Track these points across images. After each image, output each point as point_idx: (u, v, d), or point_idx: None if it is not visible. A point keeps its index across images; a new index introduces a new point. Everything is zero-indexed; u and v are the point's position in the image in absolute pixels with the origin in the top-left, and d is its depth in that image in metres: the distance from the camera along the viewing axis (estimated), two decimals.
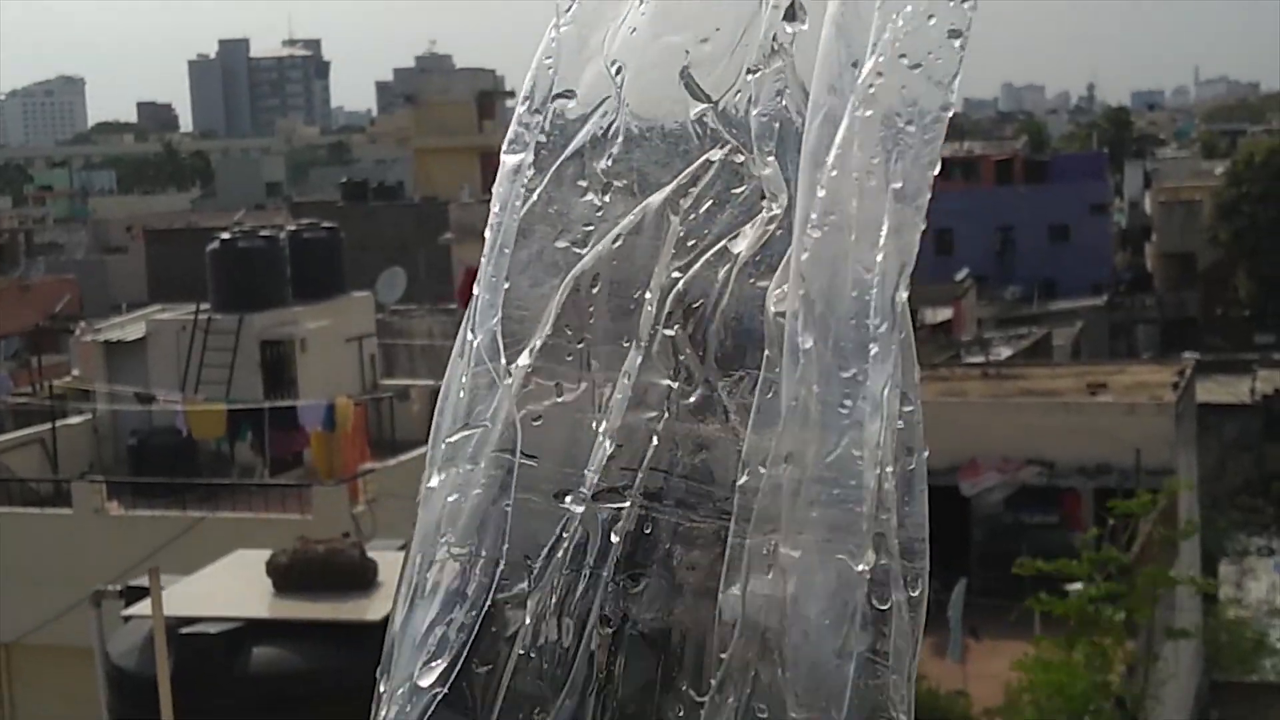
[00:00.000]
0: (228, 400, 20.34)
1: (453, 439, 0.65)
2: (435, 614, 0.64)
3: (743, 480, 0.63)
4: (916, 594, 0.70)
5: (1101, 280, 52.53)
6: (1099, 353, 40.82)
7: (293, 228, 25.19)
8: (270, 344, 22.57)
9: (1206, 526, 29.80)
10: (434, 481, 0.65)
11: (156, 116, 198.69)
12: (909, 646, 0.68)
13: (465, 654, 0.62)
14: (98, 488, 17.99)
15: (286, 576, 4.98)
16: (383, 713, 0.65)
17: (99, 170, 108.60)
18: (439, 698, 0.62)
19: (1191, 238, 52.50)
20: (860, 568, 0.66)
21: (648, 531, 0.62)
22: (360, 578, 5.00)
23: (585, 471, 0.63)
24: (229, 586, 5.17)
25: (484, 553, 0.65)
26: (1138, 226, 61.55)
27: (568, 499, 0.62)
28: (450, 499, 0.65)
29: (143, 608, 4.91)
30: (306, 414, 18.73)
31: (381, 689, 0.66)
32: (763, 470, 0.63)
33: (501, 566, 0.63)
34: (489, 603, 0.63)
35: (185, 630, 4.63)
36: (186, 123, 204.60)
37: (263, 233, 24.16)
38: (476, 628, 0.62)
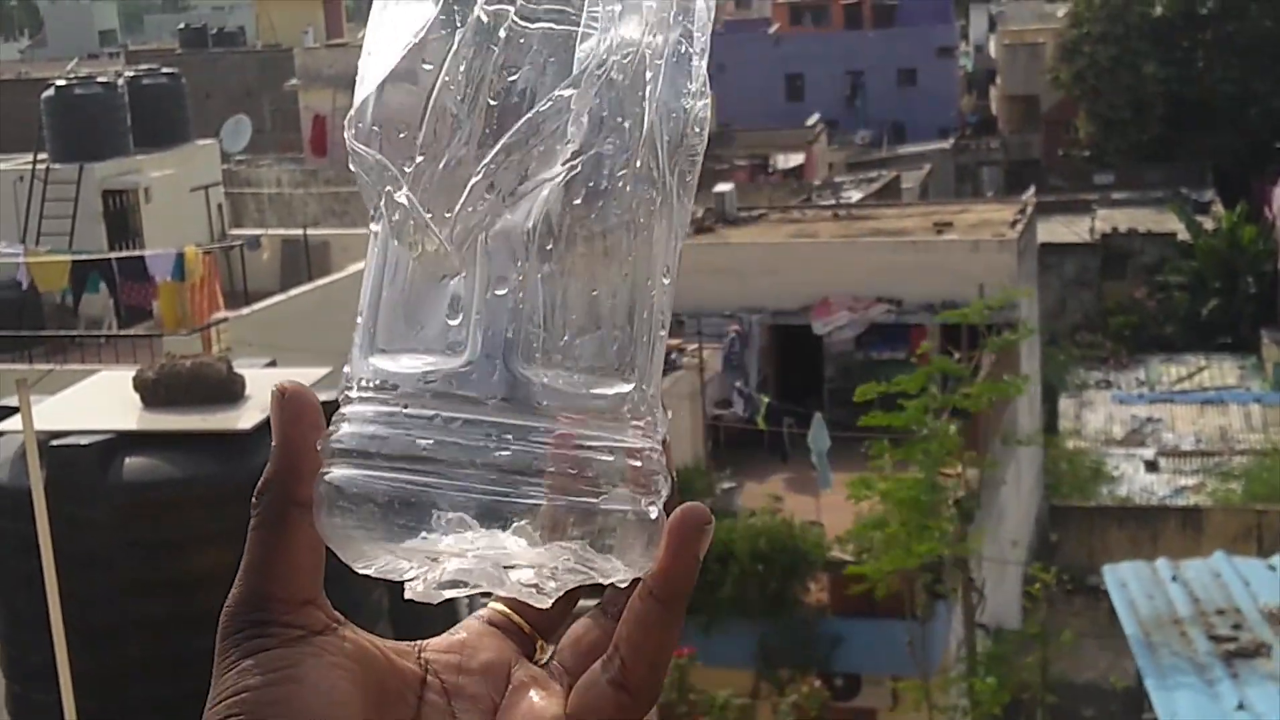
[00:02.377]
0: (70, 251, 19.88)
1: None
2: None
3: None
4: None
5: (948, 123, 53.25)
6: (946, 194, 41.54)
7: (131, 74, 24.46)
8: (113, 194, 22.06)
9: (1047, 361, 30.79)
10: None
11: None
12: None
13: None
14: None
15: (154, 391, 4.98)
16: None
17: None
18: None
19: (1034, 80, 53.30)
20: None
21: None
22: (228, 390, 5.02)
23: None
24: (96, 403, 5.16)
25: None
26: (983, 70, 62.27)
27: None
28: None
29: (8, 424, 4.91)
30: (155, 264, 18.38)
31: None
32: None
33: None
34: None
35: (55, 443, 4.65)
36: None
37: (100, 79, 23.43)
38: None
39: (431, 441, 0.66)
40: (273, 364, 5.72)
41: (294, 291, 19.36)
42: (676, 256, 0.71)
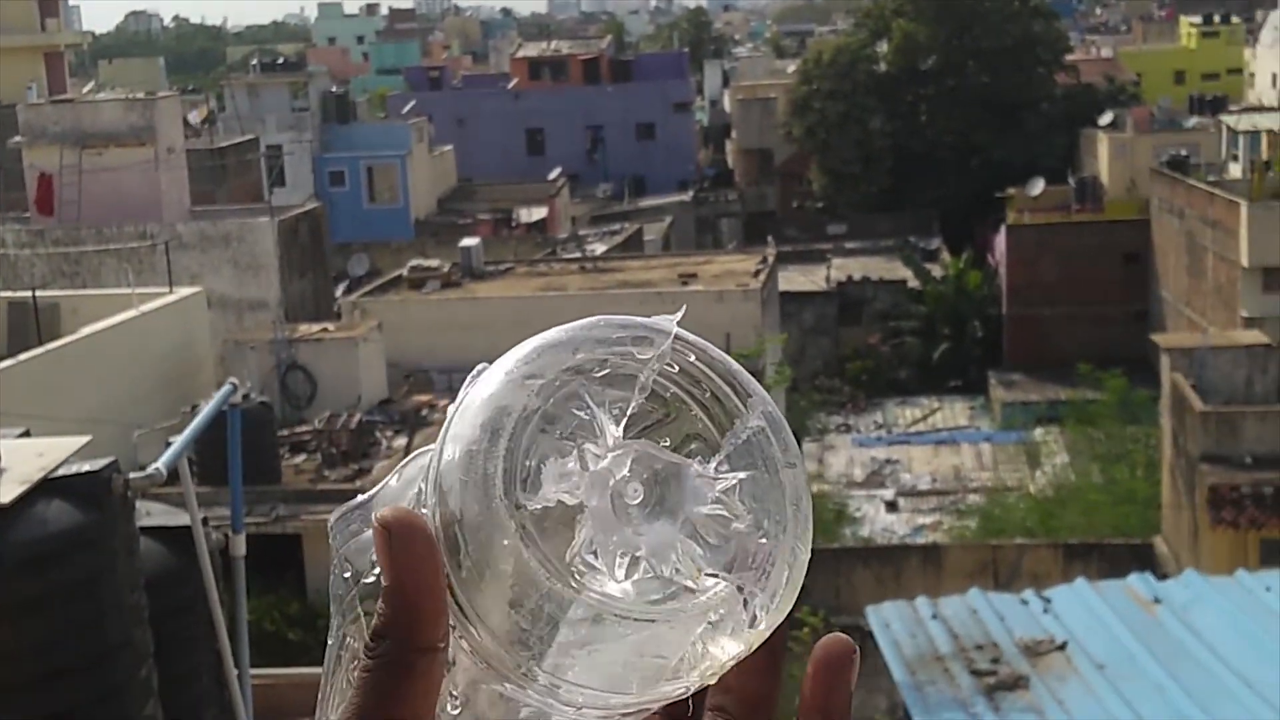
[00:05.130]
0: None
1: None
2: None
3: None
4: None
5: (687, 177, 54.38)
6: (687, 245, 42.33)
7: None
8: None
9: (790, 408, 31.54)
10: None
11: None
12: None
13: None
14: None
15: None
16: None
17: None
18: None
19: (768, 134, 54.86)
20: None
21: None
22: None
23: None
24: None
25: None
26: (719, 124, 63.83)
27: None
28: None
29: None
30: None
31: None
32: None
33: None
34: None
35: None
36: None
37: None
38: None
39: None
40: (26, 433, 5.45)
41: (23, 356, 18.55)
42: None
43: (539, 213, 42.38)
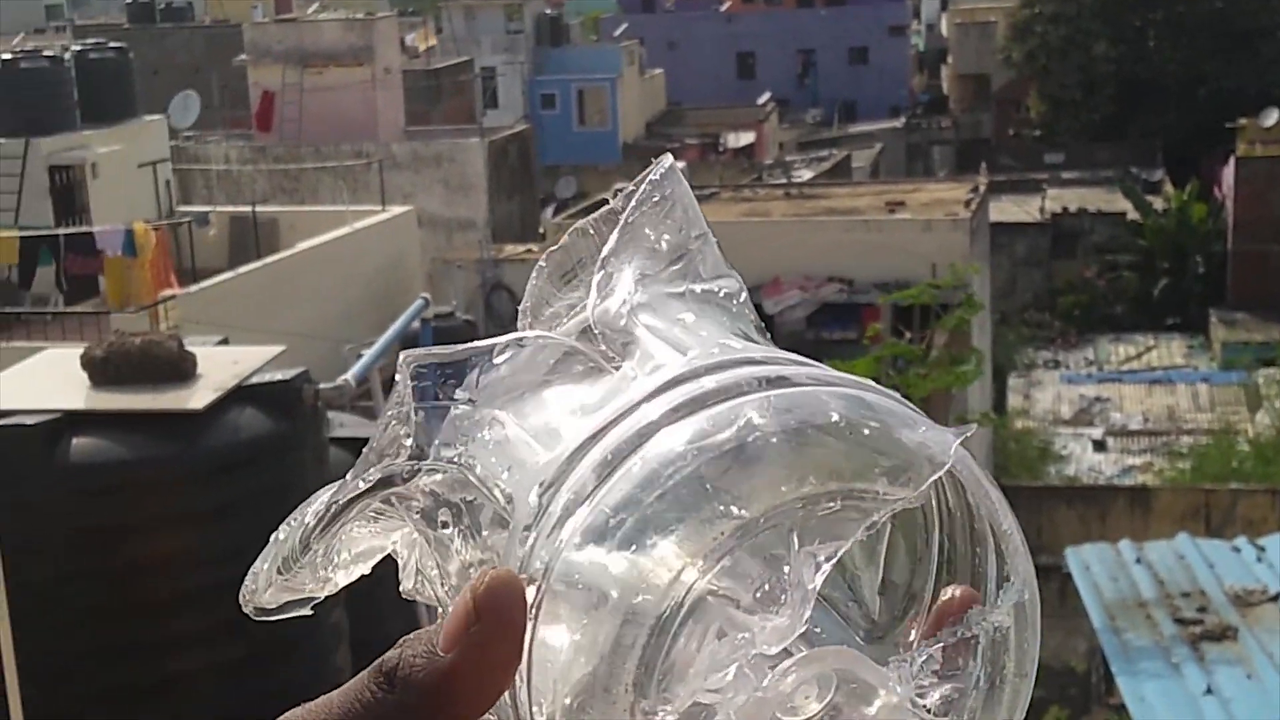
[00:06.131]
0: (17, 227, 19.59)
1: None
2: None
3: None
4: None
5: (899, 102, 53.37)
6: (897, 173, 41.60)
7: (78, 49, 24.11)
8: (59, 169, 21.76)
9: (997, 341, 30.91)
10: None
11: None
12: None
13: None
14: None
15: (103, 369, 4.85)
16: None
17: None
18: None
19: (986, 59, 53.46)
20: None
21: None
22: (179, 369, 4.90)
23: None
24: (41, 382, 5.02)
25: None
26: (934, 48, 62.41)
27: None
28: None
29: None
30: (105, 240, 18.14)
31: None
32: None
33: None
34: None
35: None
36: None
37: (47, 53, 23.08)
38: None
39: None
40: (225, 341, 5.60)
41: (242, 269, 19.17)
42: None
43: (746, 138, 42.09)
